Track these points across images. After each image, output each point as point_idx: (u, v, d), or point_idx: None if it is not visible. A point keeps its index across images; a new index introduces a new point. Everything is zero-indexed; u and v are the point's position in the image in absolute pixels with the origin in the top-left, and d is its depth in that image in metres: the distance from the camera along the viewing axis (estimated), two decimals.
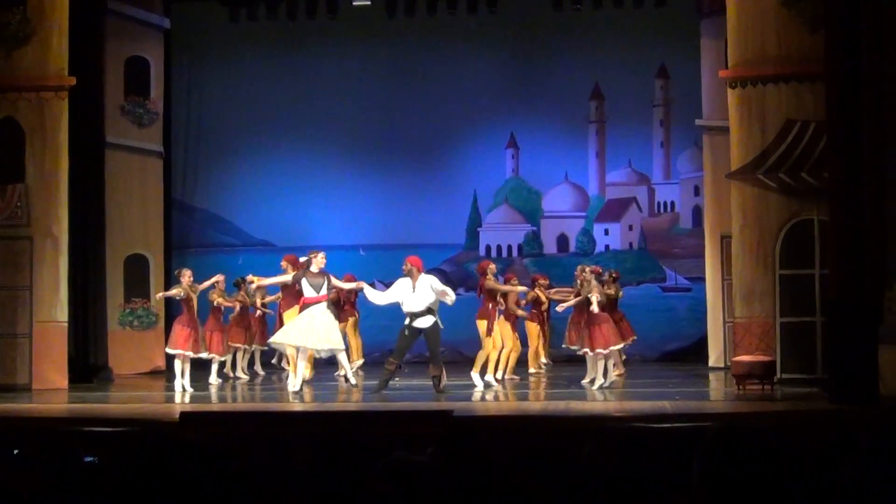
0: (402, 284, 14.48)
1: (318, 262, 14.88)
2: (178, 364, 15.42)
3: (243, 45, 21.11)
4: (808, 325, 14.40)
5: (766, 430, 3.38)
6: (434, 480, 3.58)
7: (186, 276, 15.60)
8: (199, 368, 16.16)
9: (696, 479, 3.31)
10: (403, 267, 14.51)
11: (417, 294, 14.30)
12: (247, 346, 17.21)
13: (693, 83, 18.81)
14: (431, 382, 14.36)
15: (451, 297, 14.32)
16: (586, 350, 14.82)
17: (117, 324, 18.54)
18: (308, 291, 14.66)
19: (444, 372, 14.52)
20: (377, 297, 14.79)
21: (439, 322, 14.41)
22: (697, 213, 20.17)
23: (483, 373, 14.88)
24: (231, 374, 16.96)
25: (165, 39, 20.06)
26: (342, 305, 17.19)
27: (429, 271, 15.21)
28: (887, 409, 11.50)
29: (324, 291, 14.67)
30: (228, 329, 16.67)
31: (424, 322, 14.29)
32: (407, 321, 14.36)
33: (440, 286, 14.34)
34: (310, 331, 14.47)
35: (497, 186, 21.27)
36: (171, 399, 14.82)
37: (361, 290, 15.37)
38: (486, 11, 20.29)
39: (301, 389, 14.60)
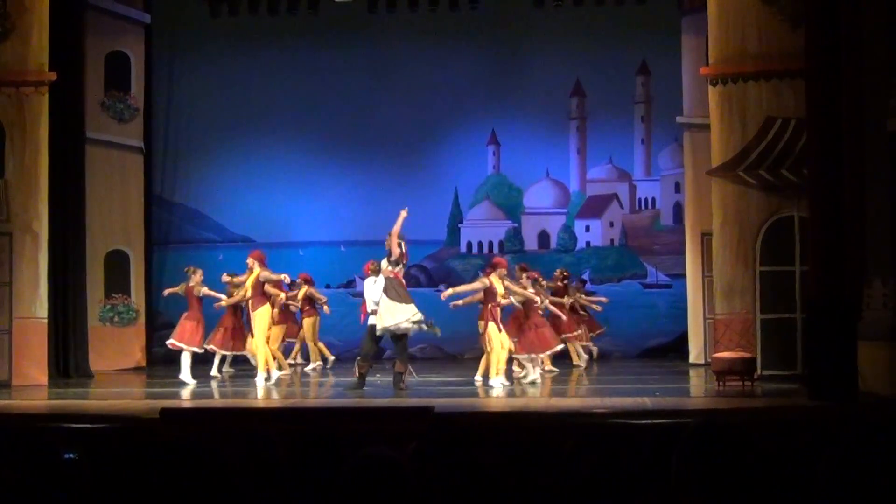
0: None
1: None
2: (185, 357, 15.59)
3: (224, 40, 21.02)
4: (788, 321, 14.47)
5: (745, 426, 3.40)
6: (415, 477, 3.58)
7: (198, 275, 15.87)
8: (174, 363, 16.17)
9: (675, 475, 3.32)
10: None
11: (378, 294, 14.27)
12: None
13: (674, 80, 18.83)
14: (392, 378, 14.20)
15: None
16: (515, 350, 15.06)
17: (97, 320, 18.47)
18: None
19: (408, 370, 14.50)
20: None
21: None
22: (678, 210, 20.20)
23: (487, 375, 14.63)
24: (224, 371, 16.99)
25: (146, 34, 19.97)
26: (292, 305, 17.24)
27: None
28: (866, 405, 11.55)
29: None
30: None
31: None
32: (372, 320, 14.26)
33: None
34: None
35: (478, 183, 21.26)
36: (151, 395, 14.78)
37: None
38: (467, 8, 20.28)
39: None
